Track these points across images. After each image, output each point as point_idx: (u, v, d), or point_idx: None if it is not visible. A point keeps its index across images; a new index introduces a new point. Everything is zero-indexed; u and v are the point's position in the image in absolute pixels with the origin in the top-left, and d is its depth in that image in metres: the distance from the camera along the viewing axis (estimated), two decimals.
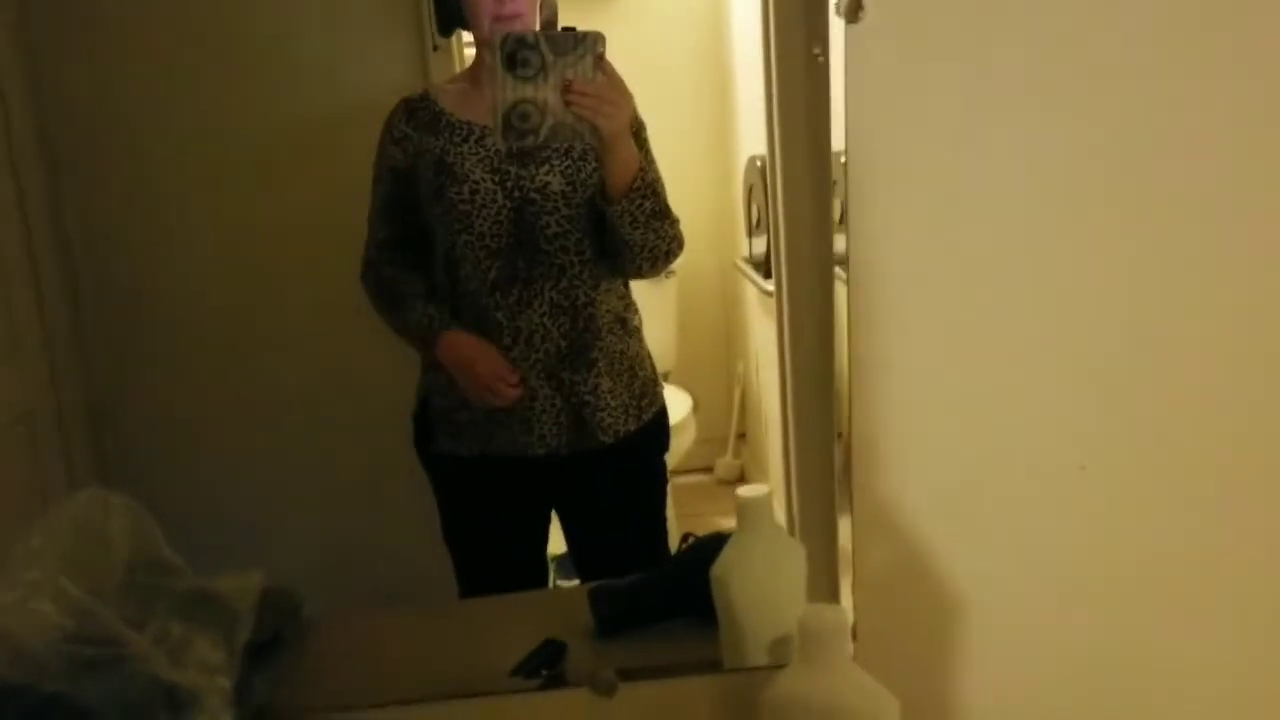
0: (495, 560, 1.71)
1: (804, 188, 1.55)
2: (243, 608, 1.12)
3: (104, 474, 1.77)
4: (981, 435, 1.20)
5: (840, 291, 1.41)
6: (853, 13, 1.04)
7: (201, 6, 1.73)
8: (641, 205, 1.49)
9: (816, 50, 1.08)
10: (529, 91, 1.35)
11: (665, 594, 1.28)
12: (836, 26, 1.12)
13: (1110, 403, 1.20)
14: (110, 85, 1.75)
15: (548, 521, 1.74)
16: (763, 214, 2.38)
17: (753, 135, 2.50)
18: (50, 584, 0.99)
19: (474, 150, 1.54)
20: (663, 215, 1.54)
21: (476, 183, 1.53)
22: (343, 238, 1.66)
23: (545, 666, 1.19)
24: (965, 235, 1.15)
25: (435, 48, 1.69)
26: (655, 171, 1.57)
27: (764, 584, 1.07)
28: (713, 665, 1.15)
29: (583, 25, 1.41)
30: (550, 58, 1.35)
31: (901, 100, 1.11)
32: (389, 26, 1.75)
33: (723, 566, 1.08)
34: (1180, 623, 1.27)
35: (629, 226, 1.50)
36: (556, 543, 1.78)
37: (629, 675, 1.08)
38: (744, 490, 1.10)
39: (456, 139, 1.53)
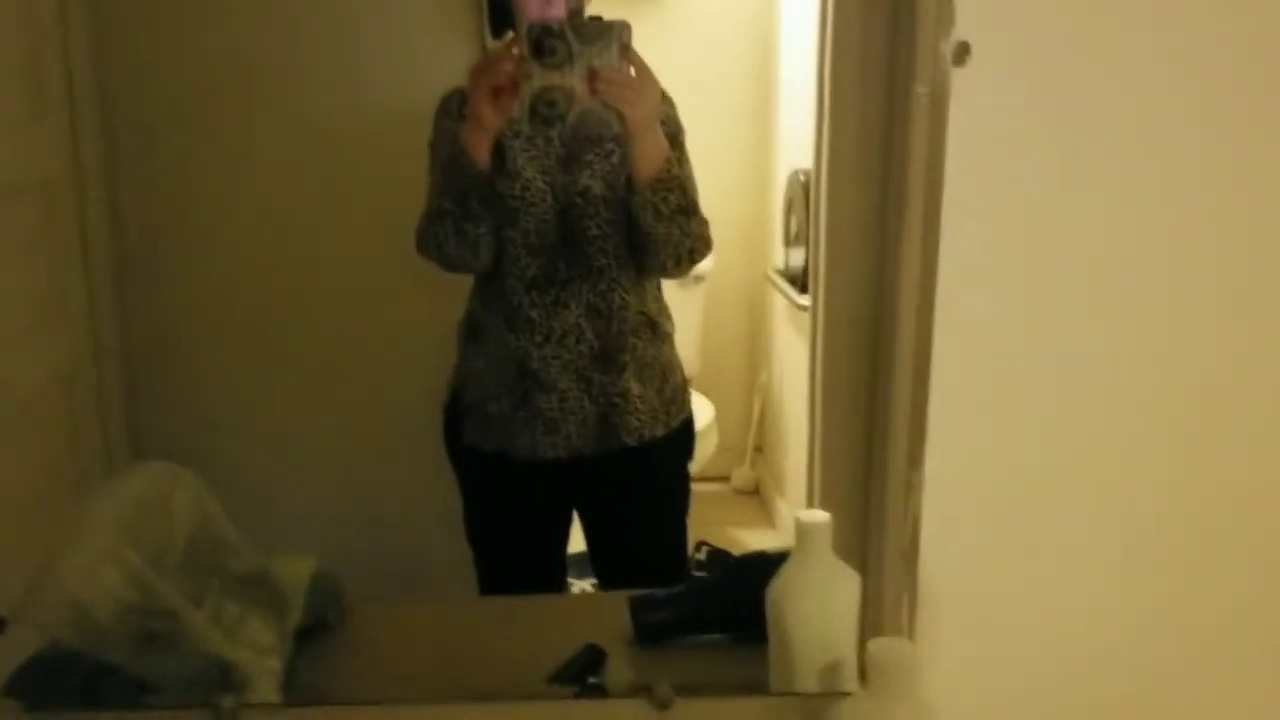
0: (515, 557, 1.72)
1: (850, 205, 1.55)
2: (294, 592, 1.12)
3: (135, 445, 1.78)
4: (1046, 472, 1.21)
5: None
6: (960, 57, 1.05)
7: (276, 4, 1.77)
8: (666, 198, 1.49)
9: (921, 88, 1.08)
10: (555, 79, 1.36)
11: (704, 608, 1.28)
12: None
13: (1181, 455, 1.21)
14: (173, 67, 1.76)
15: (569, 522, 1.74)
16: (802, 228, 2.40)
17: (795, 148, 2.52)
18: (116, 552, 0.99)
19: (525, 148, 1.54)
20: (688, 212, 1.53)
21: (529, 180, 1.54)
22: (388, 231, 1.66)
23: (585, 673, 1.19)
24: (1053, 279, 1.16)
25: (486, 50, 1.70)
26: (688, 172, 1.57)
27: (819, 609, 1.08)
28: (752, 685, 1.15)
29: (632, 28, 1.41)
30: (576, 46, 1.36)
31: (999, 143, 1.12)
32: (447, 27, 1.78)
33: (779, 588, 1.08)
34: (1238, 659, 1.28)
35: (652, 218, 1.49)
36: (572, 542, 1.78)
37: (682, 691, 1.08)
38: (804, 514, 1.10)
39: (509, 135, 1.53)
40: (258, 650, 1.05)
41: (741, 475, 3.08)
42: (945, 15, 1.04)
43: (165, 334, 1.84)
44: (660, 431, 1.65)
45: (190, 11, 1.76)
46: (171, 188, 1.81)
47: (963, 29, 1.05)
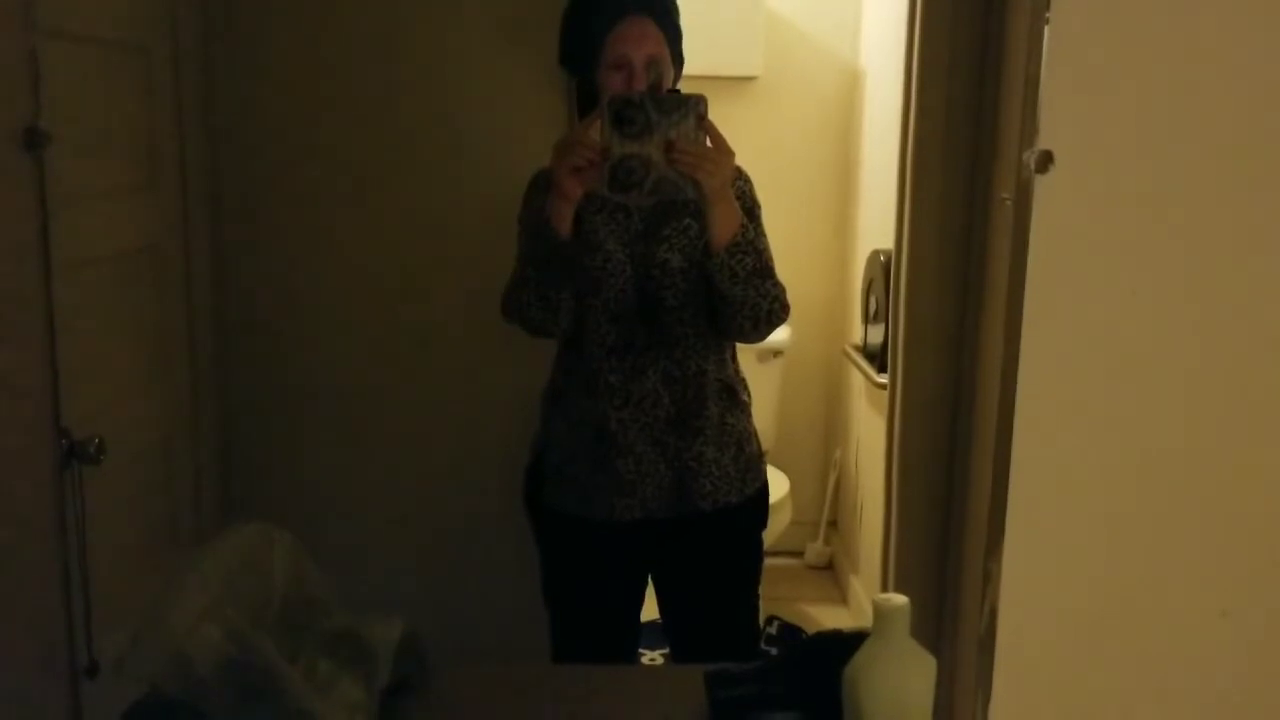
0: (591, 619, 1.74)
1: (930, 290, 1.57)
2: (384, 652, 1.15)
3: (228, 503, 1.85)
4: (1128, 566, 1.21)
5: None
6: (1043, 165, 1.09)
7: (379, 89, 1.89)
8: (742, 261, 1.52)
9: (1005, 195, 1.11)
10: (634, 148, 1.41)
11: (780, 685, 1.29)
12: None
13: (1263, 557, 1.21)
14: (280, 145, 1.89)
15: (644, 587, 1.77)
16: (881, 306, 2.42)
17: (876, 229, 2.55)
18: (219, 610, 1.03)
19: (607, 222, 1.59)
20: (764, 274, 1.55)
21: (610, 252, 1.58)
22: (474, 305, 1.72)
23: None
24: (1134, 373, 1.18)
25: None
26: (764, 244, 1.60)
27: (894, 692, 1.08)
28: None
29: (719, 107, 1.45)
30: (655, 117, 1.41)
31: (1079, 247, 1.14)
32: (538, 114, 1.87)
33: (855, 669, 1.10)
34: None
35: (729, 281, 1.53)
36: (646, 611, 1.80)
37: None
38: (882, 598, 1.11)
39: (591, 209, 1.58)
40: (347, 708, 1.08)
41: (815, 550, 3.08)
42: (1029, 127, 1.07)
43: (261, 397, 1.91)
44: (734, 498, 1.67)
45: (298, 95, 1.87)
46: (272, 258, 1.89)
47: (1045, 139, 1.08)
